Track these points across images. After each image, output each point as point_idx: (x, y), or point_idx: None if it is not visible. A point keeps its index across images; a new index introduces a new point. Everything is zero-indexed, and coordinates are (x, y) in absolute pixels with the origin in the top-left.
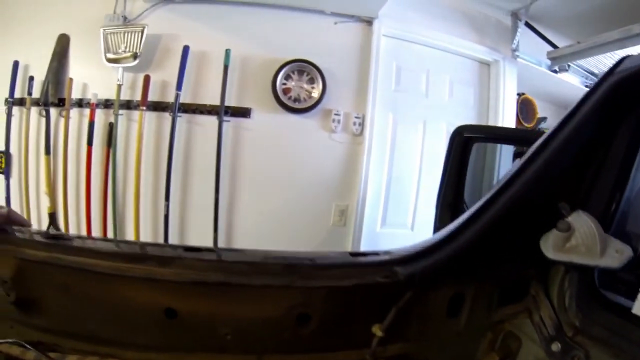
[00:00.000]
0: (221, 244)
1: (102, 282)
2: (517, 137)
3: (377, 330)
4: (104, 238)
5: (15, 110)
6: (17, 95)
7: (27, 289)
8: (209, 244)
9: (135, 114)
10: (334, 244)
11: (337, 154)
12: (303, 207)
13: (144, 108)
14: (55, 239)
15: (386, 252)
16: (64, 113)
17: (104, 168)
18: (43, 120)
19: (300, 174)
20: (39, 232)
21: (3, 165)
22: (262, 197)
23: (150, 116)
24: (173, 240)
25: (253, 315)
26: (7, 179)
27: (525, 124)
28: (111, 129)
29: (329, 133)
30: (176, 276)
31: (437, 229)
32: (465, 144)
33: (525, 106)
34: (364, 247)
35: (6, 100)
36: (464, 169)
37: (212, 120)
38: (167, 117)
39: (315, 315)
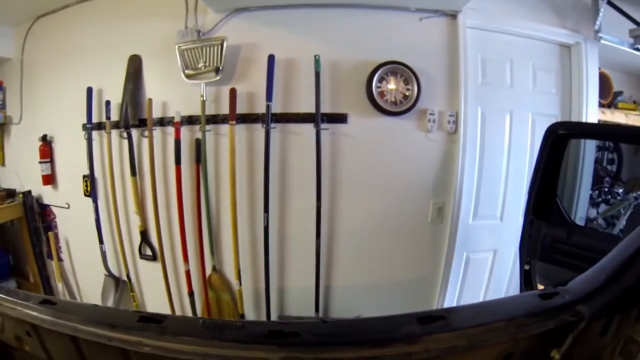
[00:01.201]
0: (323, 250)
1: None
2: (619, 134)
3: (555, 354)
4: None
5: (95, 134)
6: (95, 120)
7: None
8: (311, 251)
9: (223, 128)
10: (433, 240)
11: (433, 153)
12: (402, 207)
13: (234, 122)
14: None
15: (564, 289)
16: (146, 133)
17: (195, 184)
18: (125, 142)
19: (399, 175)
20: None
21: (89, 189)
22: (362, 201)
23: (240, 129)
24: (273, 251)
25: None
26: (95, 201)
27: (601, 100)
28: (199, 146)
29: (425, 133)
30: None
31: (526, 228)
32: (560, 141)
33: (600, 82)
34: (459, 241)
35: (84, 126)
36: (558, 167)
37: (308, 128)
38: (259, 128)
39: (517, 355)
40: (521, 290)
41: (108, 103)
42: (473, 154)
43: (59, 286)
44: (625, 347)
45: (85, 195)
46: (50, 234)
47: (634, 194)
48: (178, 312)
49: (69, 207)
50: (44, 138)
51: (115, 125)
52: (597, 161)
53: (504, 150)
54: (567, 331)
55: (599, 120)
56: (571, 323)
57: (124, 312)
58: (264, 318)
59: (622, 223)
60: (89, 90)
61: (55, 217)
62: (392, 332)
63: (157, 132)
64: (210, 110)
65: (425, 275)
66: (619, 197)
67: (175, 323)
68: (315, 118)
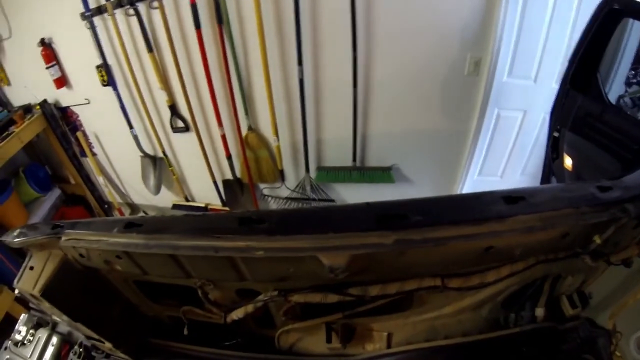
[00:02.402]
0: (360, 99)
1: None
2: None
3: (597, 239)
4: None
5: (97, 20)
6: (92, 5)
7: None
8: (348, 101)
9: None
10: (467, 94)
11: (475, 4)
12: (439, 58)
13: None
14: None
15: (617, 184)
16: (155, 4)
17: (220, 46)
18: (133, 19)
19: (437, 25)
20: None
21: (106, 78)
22: (399, 50)
23: None
24: (309, 103)
25: (539, 239)
26: (115, 88)
27: None
28: (218, 5)
29: None
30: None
31: (561, 95)
32: (613, 16)
33: None
34: (492, 97)
35: (82, 15)
36: (605, 42)
37: None
38: None
39: (571, 235)
40: (547, 156)
41: None
42: (515, 8)
43: (100, 180)
44: None
45: (103, 85)
46: (79, 133)
47: None
48: (217, 176)
49: (89, 103)
50: (42, 42)
51: (118, 4)
52: None
53: (548, 8)
54: (610, 222)
55: None
56: (618, 217)
57: (220, 218)
58: (302, 171)
59: None
60: None
61: (78, 117)
62: (484, 211)
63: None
64: None
65: (458, 128)
66: None
67: (279, 221)
68: None
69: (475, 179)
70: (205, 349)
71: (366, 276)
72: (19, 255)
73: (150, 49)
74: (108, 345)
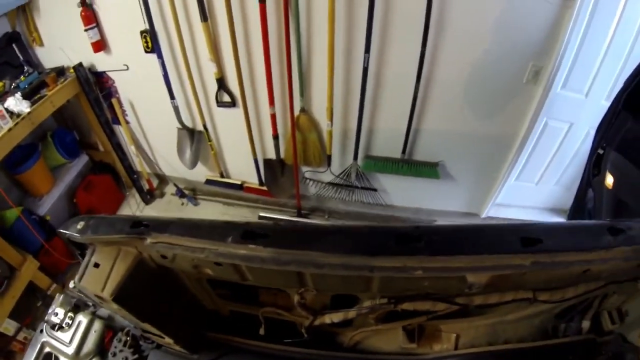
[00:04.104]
0: (420, 94)
1: None
2: None
3: None
4: None
5: None
6: None
7: None
8: (406, 94)
9: None
10: (522, 101)
11: (545, 14)
12: (501, 63)
13: None
14: None
15: None
16: None
17: (284, 25)
18: None
19: (505, 30)
20: None
21: (150, 45)
22: (465, 51)
23: None
24: (369, 92)
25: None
26: (160, 57)
27: None
28: None
29: None
30: None
31: (611, 114)
32: None
33: None
34: (546, 108)
35: None
36: None
37: None
38: None
39: None
40: (586, 170)
41: None
42: (582, 22)
43: (131, 149)
44: None
45: (146, 52)
46: (113, 100)
47: None
48: (259, 156)
49: (127, 69)
50: (83, 3)
51: None
52: None
53: (611, 26)
54: None
55: None
56: None
57: (369, 233)
58: (350, 158)
59: None
60: None
61: (114, 83)
62: (596, 241)
63: None
64: None
65: (507, 132)
66: None
67: (436, 239)
68: None
69: (512, 184)
70: (266, 345)
71: (489, 289)
72: (45, 224)
73: (204, 18)
74: (168, 340)
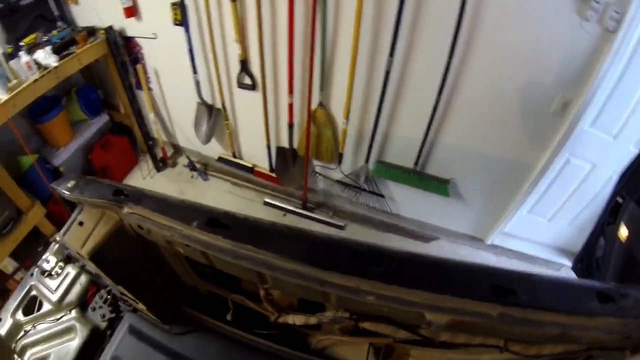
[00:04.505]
0: (440, 106)
1: None
2: None
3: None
4: None
5: None
6: None
7: None
8: (427, 103)
9: None
10: (546, 132)
11: (581, 46)
12: (529, 88)
13: None
14: None
15: None
16: None
17: (311, 13)
18: None
19: (537, 55)
20: None
21: (179, 18)
22: (493, 69)
23: None
24: (388, 96)
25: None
26: (187, 31)
27: None
28: None
29: (580, 20)
30: None
31: (637, 163)
32: None
33: None
34: (570, 143)
35: None
36: None
37: None
38: None
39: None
40: (602, 217)
41: None
42: (620, 60)
43: (151, 116)
44: None
45: (175, 24)
46: (139, 66)
47: None
48: (273, 142)
49: (156, 37)
50: None
51: None
52: None
53: None
54: None
55: None
56: None
57: (327, 244)
58: (361, 160)
59: None
60: None
61: (141, 49)
62: (578, 304)
63: None
64: None
65: (525, 162)
66: None
67: (397, 266)
68: None
69: (524, 215)
70: (236, 331)
71: (453, 330)
72: (58, 175)
73: None
74: (142, 306)
